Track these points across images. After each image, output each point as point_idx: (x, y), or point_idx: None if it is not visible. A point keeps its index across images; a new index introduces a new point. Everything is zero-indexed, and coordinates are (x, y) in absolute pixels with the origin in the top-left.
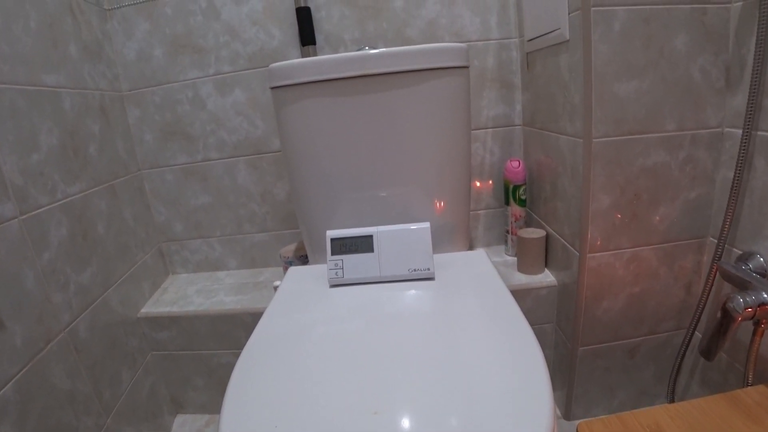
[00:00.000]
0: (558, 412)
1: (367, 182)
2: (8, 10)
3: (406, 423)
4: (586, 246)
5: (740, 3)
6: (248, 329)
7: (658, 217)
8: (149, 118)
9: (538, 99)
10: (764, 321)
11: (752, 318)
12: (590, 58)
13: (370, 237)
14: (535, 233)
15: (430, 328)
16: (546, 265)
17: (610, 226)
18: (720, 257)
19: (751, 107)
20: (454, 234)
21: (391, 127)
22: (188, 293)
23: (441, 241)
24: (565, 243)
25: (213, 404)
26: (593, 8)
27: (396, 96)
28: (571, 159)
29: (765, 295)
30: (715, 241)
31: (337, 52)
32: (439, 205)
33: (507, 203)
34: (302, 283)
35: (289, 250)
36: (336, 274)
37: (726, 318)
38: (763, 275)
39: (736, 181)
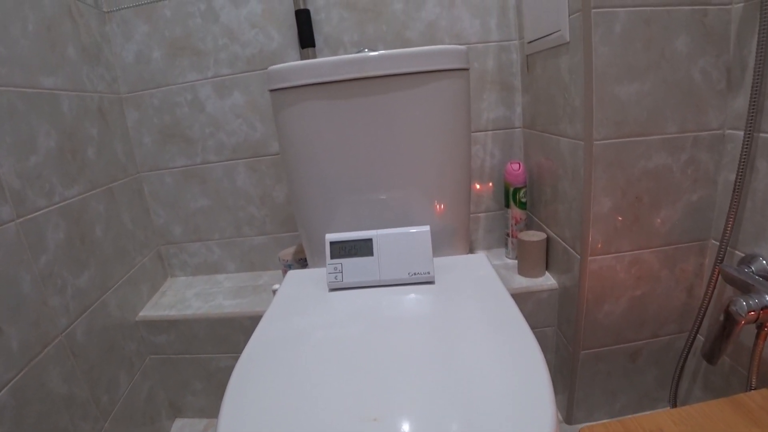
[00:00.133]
0: (559, 416)
1: (366, 185)
2: (6, 13)
3: (405, 429)
4: (587, 249)
5: (741, 4)
6: (247, 333)
7: (659, 220)
8: (148, 121)
9: (539, 101)
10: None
11: (755, 321)
12: (591, 59)
13: (370, 240)
14: (535, 236)
15: (431, 333)
16: (547, 268)
17: (611, 229)
18: (722, 260)
19: (753, 109)
20: (455, 237)
21: (391, 130)
22: (187, 296)
23: (441, 245)
24: (566, 246)
25: (212, 408)
26: (594, 10)
27: (395, 98)
28: (572, 161)
29: None
30: (717, 243)
31: (336, 55)
32: (439, 208)
33: (507, 206)
34: (301, 287)
35: (288, 253)
36: (335, 277)
37: (729, 321)
38: (765, 278)
39: (738, 184)
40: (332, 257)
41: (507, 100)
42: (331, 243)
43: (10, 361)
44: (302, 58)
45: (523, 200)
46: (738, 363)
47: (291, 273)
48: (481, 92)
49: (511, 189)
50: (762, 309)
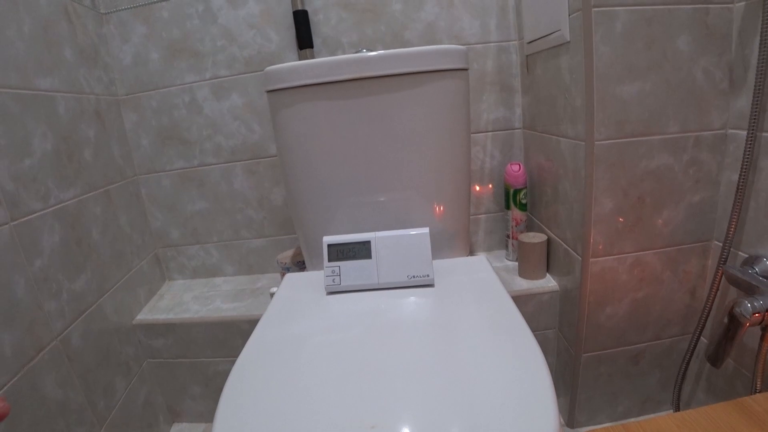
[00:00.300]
0: (561, 419)
1: (364, 187)
2: (0, 14)
3: None
4: (588, 250)
5: (743, 3)
6: (245, 336)
7: (661, 221)
8: (146, 123)
9: (539, 102)
10: None
11: (760, 323)
12: (591, 59)
13: (368, 243)
14: (536, 238)
15: (430, 337)
16: (548, 270)
17: (612, 230)
18: (725, 261)
19: (756, 108)
20: (454, 239)
21: (390, 131)
22: (185, 300)
23: (441, 247)
24: (567, 247)
25: (210, 413)
26: (594, 9)
27: (394, 99)
28: (573, 162)
29: None
30: (720, 244)
31: (334, 56)
32: (439, 209)
33: (507, 207)
34: (298, 291)
35: (286, 256)
36: (333, 281)
37: (733, 323)
38: None
39: (741, 184)
40: (330, 260)
41: (507, 100)
42: (329, 245)
43: (4, 366)
44: (300, 59)
45: (524, 202)
46: (742, 365)
47: (288, 276)
48: (480, 93)
49: (512, 190)
50: (767, 311)
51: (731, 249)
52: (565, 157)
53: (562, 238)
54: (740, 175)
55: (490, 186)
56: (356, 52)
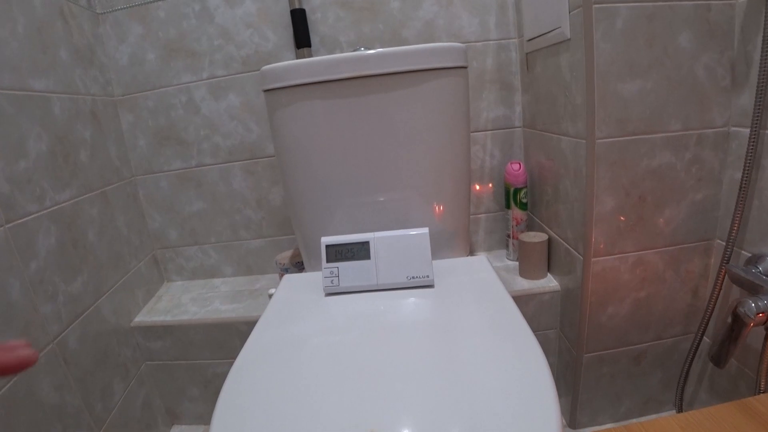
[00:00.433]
0: (563, 420)
1: (363, 187)
2: None
3: None
4: (590, 250)
5: None
6: (244, 338)
7: (663, 220)
8: (143, 124)
9: (539, 100)
10: None
11: (764, 323)
12: (592, 56)
13: (367, 243)
14: (537, 237)
15: (430, 339)
16: (549, 269)
17: (614, 230)
18: (728, 260)
19: (759, 105)
20: (454, 239)
21: (388, 130)
22: (183, 301)
23: (440, 247)
24: (568, 247)
25: (209, 415)
26: (595, 5)
27: (393, 98)
28: (574, 161)
29: None
30: (723, 243)
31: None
32: (438, 209)
33: (508, 207)
34: (296, 292)
35: (285, 256)
36: (331, 282)
37: (737, 323)
38: None
39: (744, 182)
40: (328, 261)
41: (507, 99)
42: (327, 246)
43: None
44: (298, 58)
45: (524, 201)
46: (745, 365)
47: (287, 277)
48: (480, 92)
49: (512, 190)
50: None
51: (734, 248)
52: (566, 156)
53: (563, 238)
54: (743, 173)
55: (490, 185)
56: (354, 51)
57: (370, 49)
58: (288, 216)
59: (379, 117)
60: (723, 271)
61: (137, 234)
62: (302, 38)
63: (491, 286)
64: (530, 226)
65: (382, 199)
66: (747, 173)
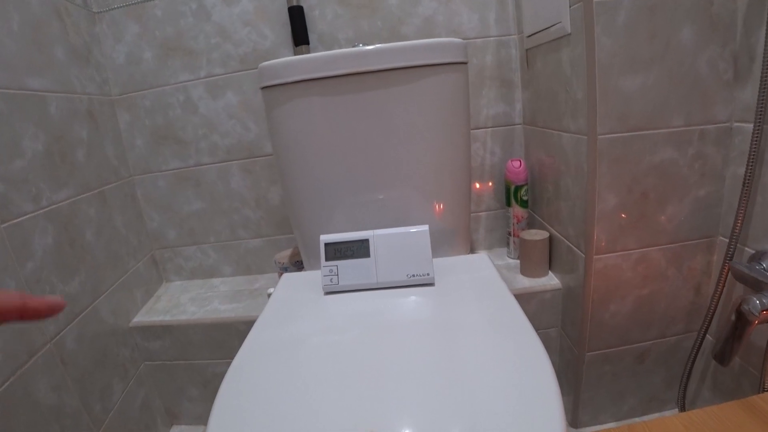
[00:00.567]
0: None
1: (362, 184)
2: None
3: None
4: (591, 247)
5: None
6: (243, 338)
7: (665, 217)
8: (140, 123)
9: (539, 97)
10: None
11: None
12: (593, 51)
13: (366, 241)
14: (538, 235)
15: (431, 338)
16: (550, 267)
17: (616, 227)
18: (731, 257)
19: (762, 100)
20: (455, 237)
21: (388, 127)
22: (182, 301)
23: (441, 245)
24: (570, 244)
25: (209, 415)
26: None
27: (392, 94)
28: (575, 157)
29: None
30: (726, 240)
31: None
32: (439, 207)
33: (508, 204)
34: (295, 291)
35: (284, 255)
36: (330, 280)
37: (741, 321)
38: None
39: (747, 178)
40: (327, 259)
41: (507, 96)
42: (326, 244)
43: None
44: (296, 55)
45: (525, 198)
46: (748, 363)
47: (285, 276)
48: (480, 88)
49: (512, 187)
50: None
51: (737, 244)
52: (567, 153)
53: (564, 235)
54: (746, 168)
55: (491, 183)
56: (353, 47)
57: (368, 45)
58: (287, 215)
59: (378, 114)
60: (726, 268)
61: (135, 234)
62: (300, 36)
63: (492, 284)
64: (531, 224)
65: (381, 196)
66: (750, 169)
